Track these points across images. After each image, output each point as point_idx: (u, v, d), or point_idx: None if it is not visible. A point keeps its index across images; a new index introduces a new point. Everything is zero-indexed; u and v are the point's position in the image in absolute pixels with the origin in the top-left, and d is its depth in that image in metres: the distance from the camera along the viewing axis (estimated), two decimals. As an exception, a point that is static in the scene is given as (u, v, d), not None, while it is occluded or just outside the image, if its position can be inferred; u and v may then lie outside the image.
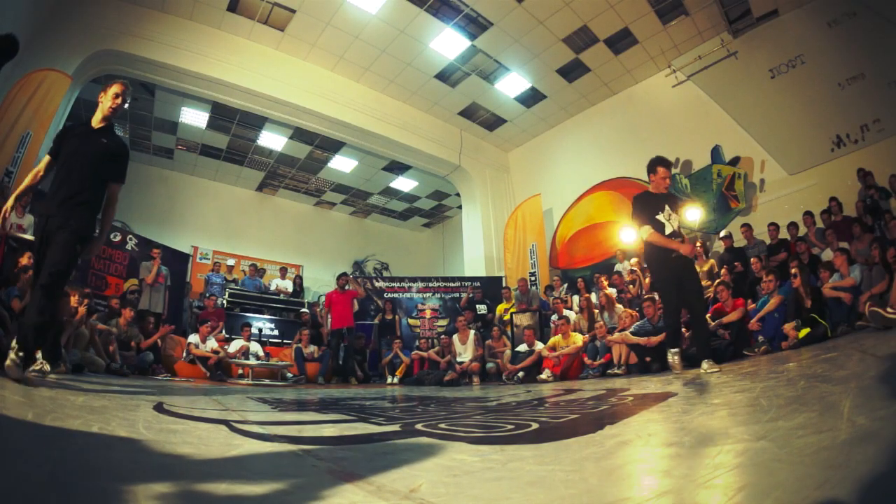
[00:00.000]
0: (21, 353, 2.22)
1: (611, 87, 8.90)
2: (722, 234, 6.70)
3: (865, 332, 3.68)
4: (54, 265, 2.38)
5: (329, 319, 7.20)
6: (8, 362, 2.19)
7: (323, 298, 8.11)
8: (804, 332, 4.20)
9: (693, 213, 7.19)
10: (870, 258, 4.54)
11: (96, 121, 2.65)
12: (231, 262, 10.24)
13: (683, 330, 4.98)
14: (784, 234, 6.17)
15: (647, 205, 3.56)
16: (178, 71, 6.83)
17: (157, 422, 1.62)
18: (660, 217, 3.49)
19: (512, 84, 8.70)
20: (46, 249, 2.44)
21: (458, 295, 8.97)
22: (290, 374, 6.65)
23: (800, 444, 0.98)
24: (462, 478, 0.93)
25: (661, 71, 8.27)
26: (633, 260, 7.14)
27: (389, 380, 6.93)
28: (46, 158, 2.62)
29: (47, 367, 2.55)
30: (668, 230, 3.48)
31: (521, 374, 5.80)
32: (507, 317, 7.59)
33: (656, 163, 3.65)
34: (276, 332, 8.04)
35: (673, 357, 3.42)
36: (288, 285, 9.05)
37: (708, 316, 4.84)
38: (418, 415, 2.22)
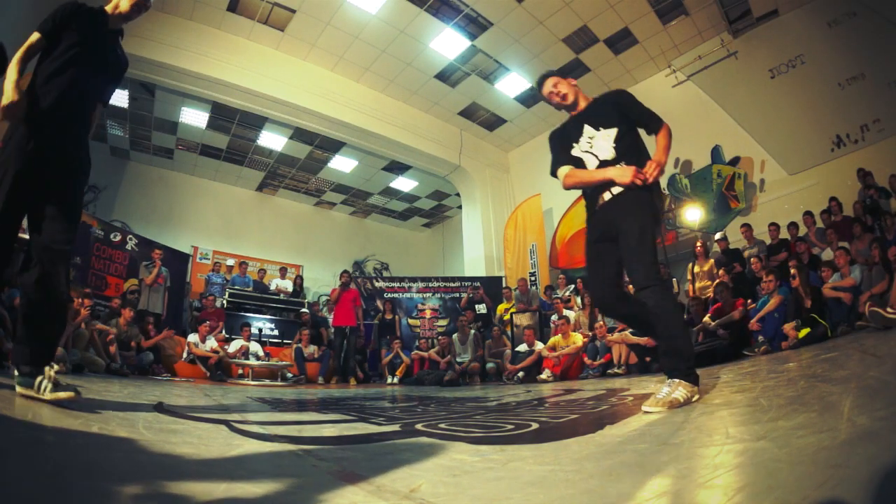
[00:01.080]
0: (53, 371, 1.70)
1: (611, 87, 8.87)
2: (717, 236, 6.70)
3: (865, 332, 3.68)
4: (66, 236, 1.77)
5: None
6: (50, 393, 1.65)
7: (324, 298, 8.18)
8: (804, 332, 4.20)
9: (692, 213, 7.21)
10: (870, 258, 4.55)
11: (111, 14, 1.99)
12: (231, 262, 10.23)
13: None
14: (784, 234, 6.17)
15: (559, 140, 2.37)
16: (178, 71, 6.84)
17: (157, 422, 1.62)
18: (575, 150, 2.25)
19: (512, 84, 8.70)
20: (34, 187, 1.72)
21: (458, 295, 8.97)
22: (290, 374, 6.65)
23: (800, 444, 0.98)
24: (462, 478, 0.93)
25: (661, 71, 8.27)
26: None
27: (389, 380, 6.93)
28: (36, 36, 1.82)
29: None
30: (591, 163, 2.18)
31: (521, 374, 5.80)
32: (507, 317, 7.59)
33: (539, 81, 2.48)
34: (276, 332, 8.05)
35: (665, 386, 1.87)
36: (288, 285, 9.05)
37: (708, 316, 4.85)
38: (418, 415, 2.22)
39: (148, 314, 6.24)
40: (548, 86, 2.41)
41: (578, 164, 2.22)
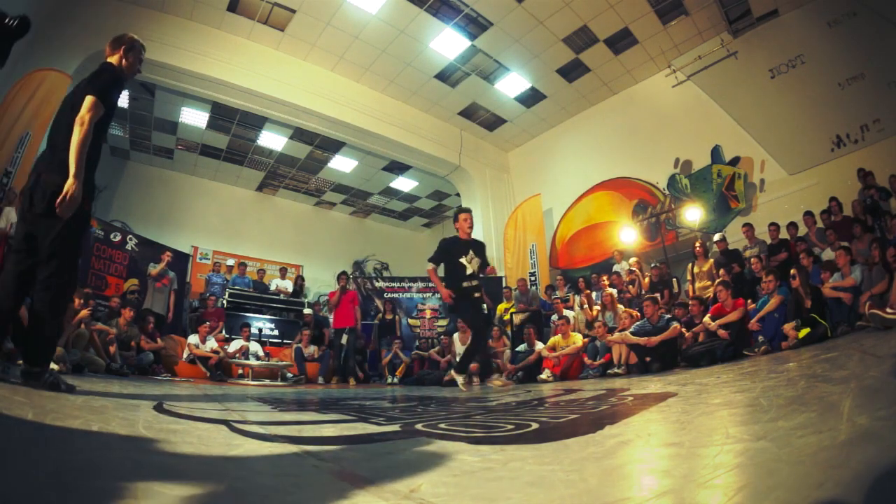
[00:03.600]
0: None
1: (611, 87, 8.90)
2: (716, 237, 6.70)
3: (865, 332, 3.68)
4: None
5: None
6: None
7: (324, 299, 8.18)
8: (804, 332, 4.20)
9: (692, 213, 7.21)
10: (870, 258, 4.55)
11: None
12: (231, 262, 10.20)
13: (684, 330, 5.01)
14: (784, 234, 6.17)
15: (449, 245, 4.22)
16: (178, 71, 6.84)
17: (157, 422, 1.62)
18: (461, 259, 4.10)
19: (512, 84, 8.70)
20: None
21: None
22: (290, 374, 6.65)
23: (800, 444, 0.98)
24: (462, 478, 0.93)
25: (661, 71, 8.28)
26: (633, 259, 7.15)
27: (389, 380, 6.94)
28: (98, 109, 2.20)
29: None
30: (466, 271, 4.10)
31: (520, 374, 5.80)
32: (507, 317, 7.59)
33: (456, 213, 4.26)
34: (276, 332, 8.05)
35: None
36: (288, 285, 9.05)
37: (708, 316, 4.86)
38: (418, 415, 2.22)
39: (150, 313, 6.23)
40: (462, 218, 4.19)
41: (459, 267, 4.08)
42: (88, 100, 2.15)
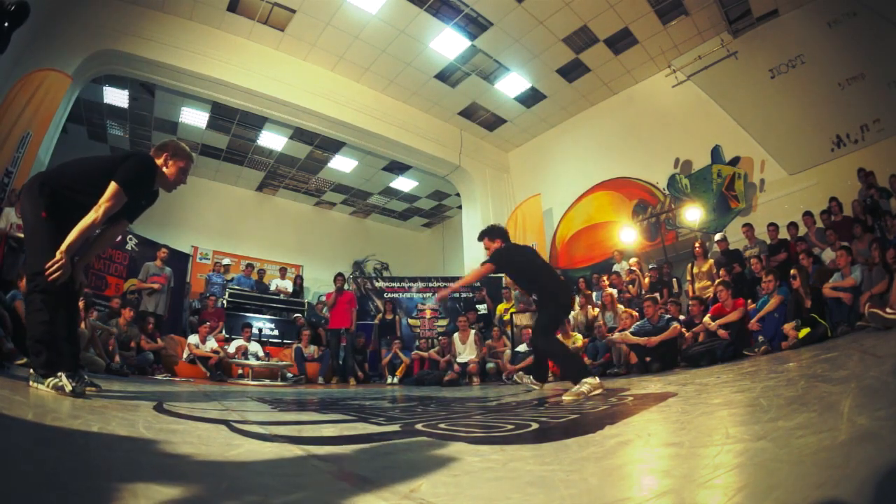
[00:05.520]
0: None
1: (611, 87, 8.90)
2: (717, 237, 6.70)
3: (865, 332, 3.68)
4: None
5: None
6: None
7: (324, 299, 8.19)
8: (804, 332, 4.20)
9: (692, 213, 7.21)
10: (870, 258, 4.54)
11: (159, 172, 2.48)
12: (227, 261, 10.10)
13: (684, 330, 5.01)
14: (784, 234, 6.17)
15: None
16: (178, 71, 6.83)
17: (157, 422, 1.62)
18: None
19: (512, 84, 8.70)
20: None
21: (457, 295, 8.96)
22: (290, 374, 6.65)
23: (800, 444, 0.98)
24: (462, 478, 0.93)
25: (661, 71, 8.27)
26: (633, 259, 7.15)
27: (389, 380, 6.93)
28: (120, 197, 2.17)
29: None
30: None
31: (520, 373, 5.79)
32: (507, 317, 7.59)
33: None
34: (276, 332, 8.05)
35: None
36: (288, 285, 9.04)
37: (708, 316, 4.86)
38: (418, 415, 2.22)
39: (148, 314, 6.21)
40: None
41: None
42: (112, 187, 2.06)
